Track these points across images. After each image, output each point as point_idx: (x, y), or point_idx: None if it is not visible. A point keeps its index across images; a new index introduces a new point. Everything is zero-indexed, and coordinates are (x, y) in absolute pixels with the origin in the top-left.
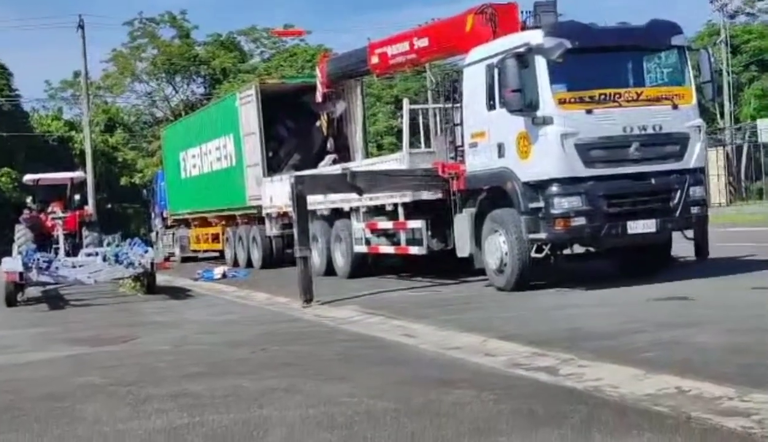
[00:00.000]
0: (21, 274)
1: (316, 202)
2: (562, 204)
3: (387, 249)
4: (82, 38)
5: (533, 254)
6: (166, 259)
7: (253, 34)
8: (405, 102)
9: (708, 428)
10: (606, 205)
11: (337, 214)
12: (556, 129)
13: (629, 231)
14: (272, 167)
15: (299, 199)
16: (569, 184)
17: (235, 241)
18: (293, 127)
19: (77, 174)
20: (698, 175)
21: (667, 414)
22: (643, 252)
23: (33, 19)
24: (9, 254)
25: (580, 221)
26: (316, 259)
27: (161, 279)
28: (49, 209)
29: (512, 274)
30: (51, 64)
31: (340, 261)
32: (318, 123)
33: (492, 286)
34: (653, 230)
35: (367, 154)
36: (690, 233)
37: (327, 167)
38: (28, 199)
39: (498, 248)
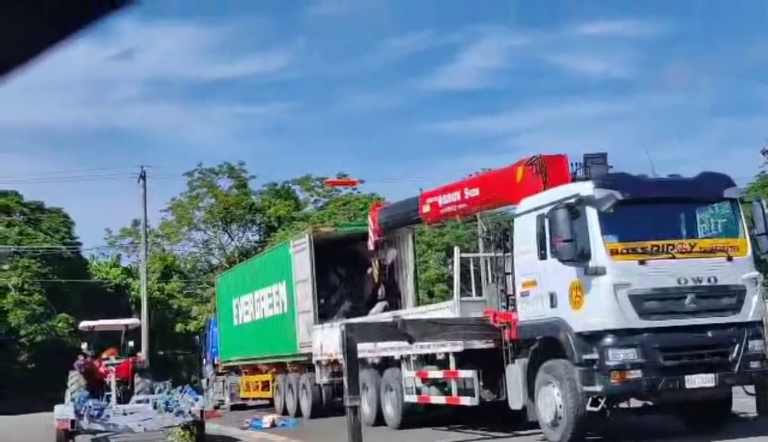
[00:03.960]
0: (73, 422)
1: (367, 349)
2: (618, 356)
3: (438, 399)
4: (143, 188)
5: (589, 408)
6: (216, 407)
7: (308, 184)
8: (456, 250)
9: None
10: (662, 358)
11: (388, 362)
12: (609, 279)
13: (687, 385)
14: (323, 314)
15: (349, 347)
16: (624, 335)
17: (285, 389)
18: (345, 274)
19: (132, 321)
20: (756, 328)
21: None
22: (702, 407)
23: (96, 170)
24: (62, 400)
25: (637, 373)
26: (366, 408)
27: (210, 428)
28: (103, 355)
29: (567, 428)
30: (112, 213)
31: (390, 411)
32: (369, 270)
33: (546, 440)
34: (712, 384)
35: (418, 302)
36: (751, 389)
37: (378, 315)
38: (83, 346)
39: (552, 401)
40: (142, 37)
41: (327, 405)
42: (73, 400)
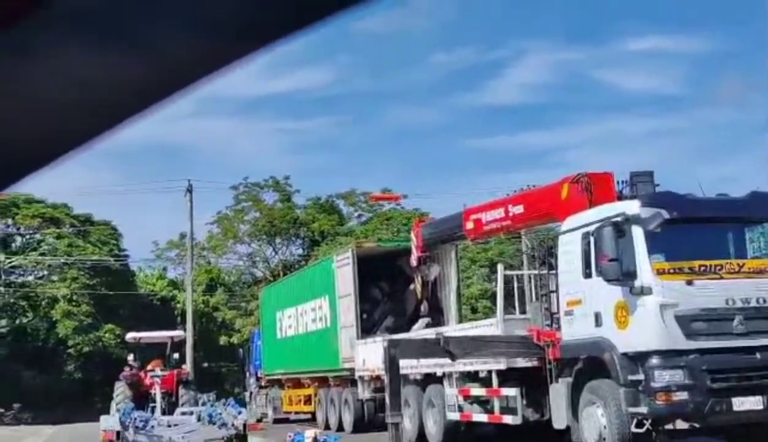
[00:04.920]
0: (118, 433)
1: (409, 366)
2: (664, 377)
3: (480, 417)
4: (190, 202)
5: (633, 429)
6: (259, 420)
7: (352, 198)
8: (499, 267)
9: None
10: (710, 380)
11: (430, 379)
12: (656, 300)
13: (735, 408)
14: (366, 329)
15: (392, 363)
16: (670, 356)
17: (327, 403)
18: (388, 289)
19: (177, 333)
20: None
21: None
22: (750, 430)
23: (144, 183)
24: (107, 410)
25: (683, 395)
26: (408, 424)
27: (253, 441)
28: (149, 367)
29: None
30: (159, 226)
31: (432, 428)
32: (412, 286)
33: None
34: (761, 407)
35: (461, 318)
36: None
37: (420, 331)
38: (129, 357)
39: (596, 421)
40: None
41: (369, 421)
42: (118, 411)
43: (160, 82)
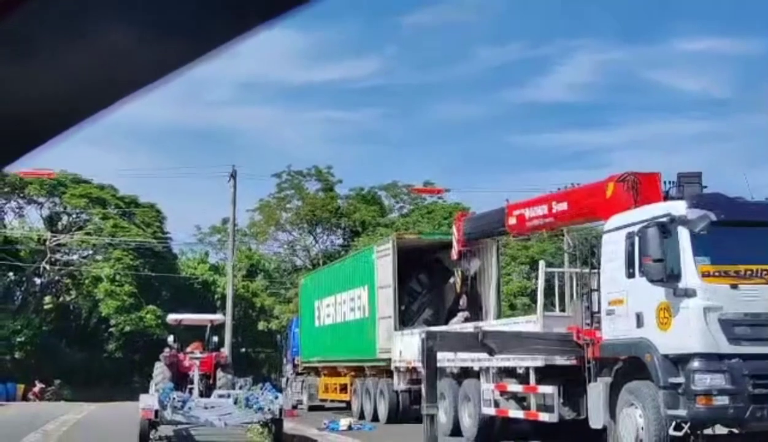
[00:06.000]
0: (156, 412)
1: (446, 359)
2: (705, 381)
3: (516, 413)
4: (233, 187)
5: (672, 432)
6: (294, 406)
7: (394, 190)
8: (541, 264)
9: None
10: (751, 385)
11: (466, 373)
12: (700, 303)
13: None
14: (404, 321)
15: (429, 355)
16: (712, 360)
17: (363, 393)
18: (427, 282)
19: (217, 316)
20: None
21: None
22: None
23: (189, 168)
24: (146, 389)
25: (723, 400)
26: (443, 417)
27: (288, 426)
28: (188, 349)
29: None
30: (202, 210)
31: (467, 422)
32: (452, 280)
33: None
34: None
35: (500, 314)
36: None
37: (458, 325)
38: (170, 338)
39: (634, 423)
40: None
41: (404, 412)
42: (157, 391)
43: (158, 60)
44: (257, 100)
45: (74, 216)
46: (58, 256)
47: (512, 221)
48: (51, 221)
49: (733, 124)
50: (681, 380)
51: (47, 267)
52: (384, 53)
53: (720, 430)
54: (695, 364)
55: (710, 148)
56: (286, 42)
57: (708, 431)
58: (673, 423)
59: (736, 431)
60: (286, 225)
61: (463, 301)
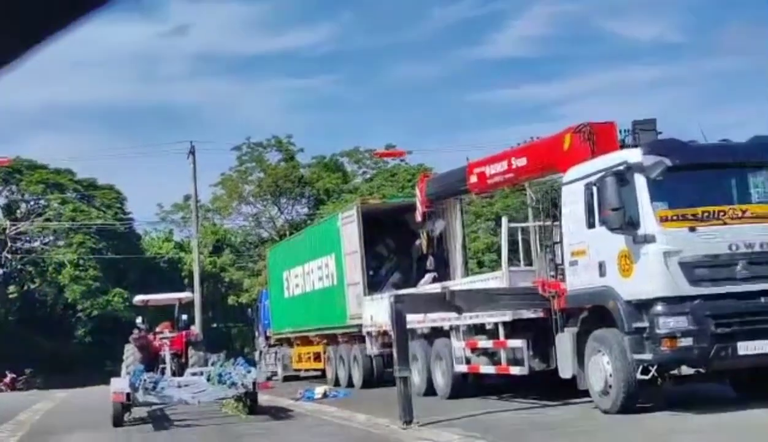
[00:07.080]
0: (128, 394)
1: (416, 320)
2: (668, 323)
3: (487, 369)
4: (193, 164)
5: (639, 376)
6: (269, 378)
7: (356, 156)
8: (504, 220)
9: None
10: (714, 325)
11: (437, 333)
12: (659, 247)
13: (740, 352)
14: (373, 286)
15: (398, 318)
16: (674, 303)
17: (336, 360)
18: (393, 246)
19: (185, 294)
20: None
21: None
22: (755, 374)
23: (147, 146)
24: (118, 373)
25: (687, 341)
26: (416, 378)
27: (263, 398)
28: (158, 329)
29: (618, 396)
30: (163, 188)
31: (440, 381)
32: (418, 241)
33: (597, 408)
34: (766, 351)
35: (467, 272)
36: None
37: (427, 286)
38: (138, 320)
39: (602, 369)
40: (189, 13)
41: (378, 376)
42: (128, 373)
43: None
44: (212, 72)
45: (32, 203)
46: (19, 244)
47: (473, 179)
48: (9, 210)
49: (687, 69)
50: (645, 324)
51: (9, 256)
52: (338, 19)
53: (686, 371)
54: (658, 308)
55: (666, 94)
56: (240, 12)
57: (675, 373)
58: (640, 367)
59: (702, 371)
60: (249, 198)
61: (430, 262)
